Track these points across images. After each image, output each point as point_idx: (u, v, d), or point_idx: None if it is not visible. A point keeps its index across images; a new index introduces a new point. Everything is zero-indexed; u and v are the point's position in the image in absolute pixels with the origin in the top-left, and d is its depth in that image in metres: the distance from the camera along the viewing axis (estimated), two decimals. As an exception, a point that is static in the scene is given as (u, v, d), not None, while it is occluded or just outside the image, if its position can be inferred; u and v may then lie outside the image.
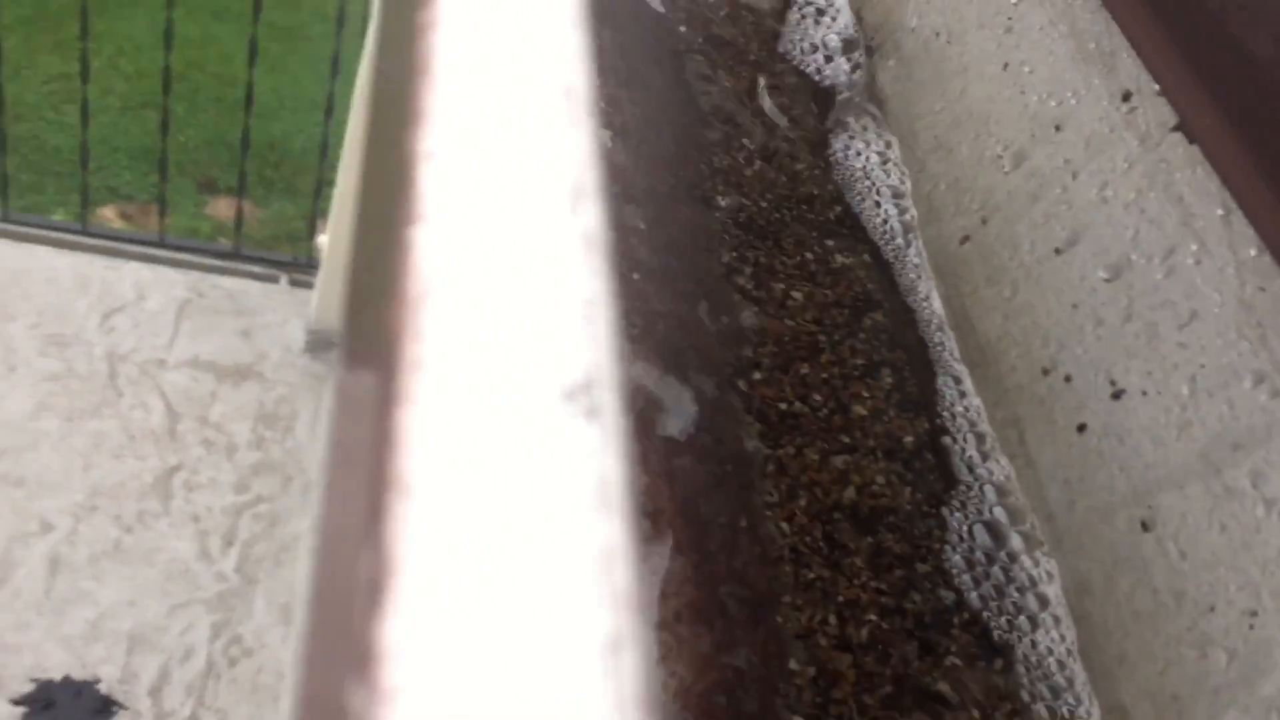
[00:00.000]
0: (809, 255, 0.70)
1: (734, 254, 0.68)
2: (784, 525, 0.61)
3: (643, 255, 0.66)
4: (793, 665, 0.57)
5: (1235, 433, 0.55)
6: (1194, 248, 0.57)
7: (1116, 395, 0.59)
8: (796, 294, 0.70)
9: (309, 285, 2.75)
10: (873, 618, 0.60)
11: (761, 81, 0.74)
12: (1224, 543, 0.55)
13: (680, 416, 0.59)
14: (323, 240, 2.56)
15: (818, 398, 0.66)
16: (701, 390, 0.63)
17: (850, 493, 0.62)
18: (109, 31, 2.63)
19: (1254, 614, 0.52)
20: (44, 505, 2.42)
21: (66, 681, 2.43)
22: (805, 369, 0.66)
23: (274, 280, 2.79)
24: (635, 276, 0.63)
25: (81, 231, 2.65)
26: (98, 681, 2.42)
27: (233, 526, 2.61)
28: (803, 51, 0.79)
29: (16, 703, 2.27)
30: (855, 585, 0.60)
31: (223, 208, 2.98)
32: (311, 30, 3.11)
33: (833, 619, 0.60)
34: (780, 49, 0.80)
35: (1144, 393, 0.59)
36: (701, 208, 0.70)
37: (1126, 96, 0.61)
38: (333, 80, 2.57)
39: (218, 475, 2.62)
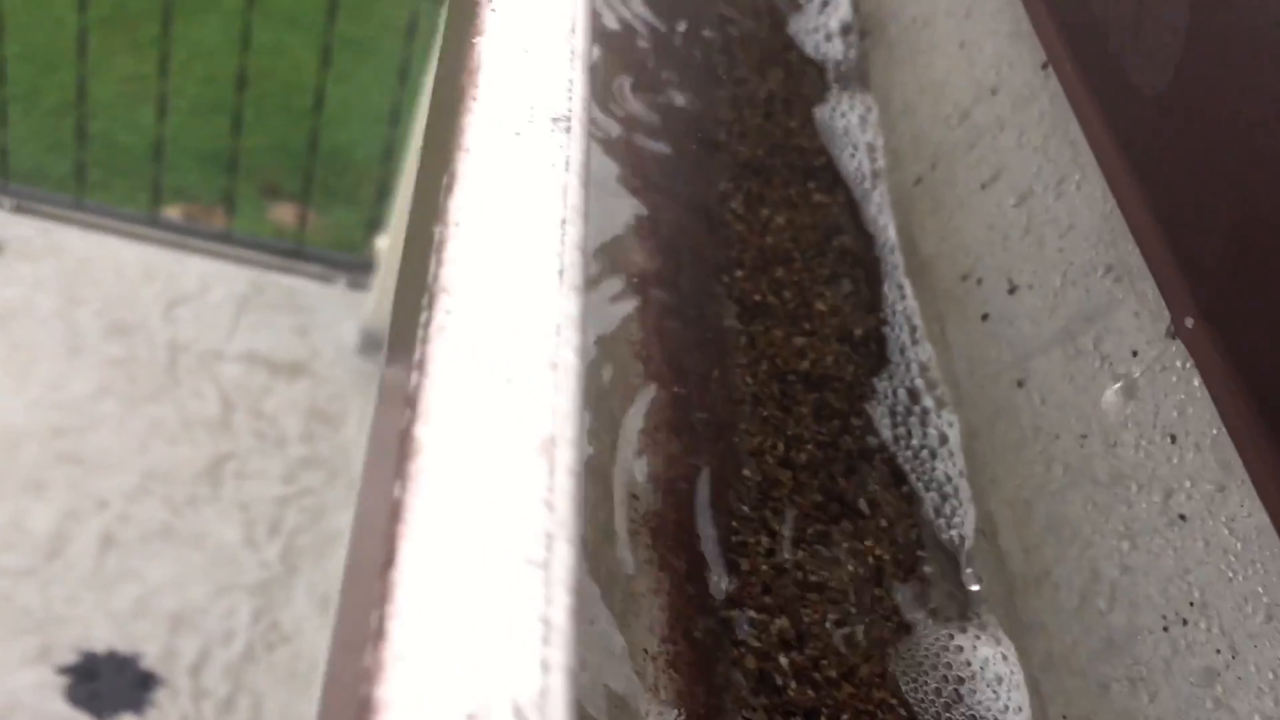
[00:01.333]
0: (792, 191, 0.78)
1: (730, 184, 0.76)
2: (748, 379, 0.68)
3: (655, 176, 0.74)
4: (744, 473, 0.65)
5: (1088, 310, 0.63)
6: (1077, 177, 0.66)
7: (1011, 290, 0.68)
8: (779, 219, 0.78)
9: (366, 287, 2.84)
10: (810, 449, 0.68)
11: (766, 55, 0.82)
12: (1071, 389, 0.63)
13: (672, 294, 0.67)
14: (381, 244, 2.64)
15: (787, 294, 0.73)
16: (691, 278, 0.71)
17: (805, 364, 0.70)
18: (183, 35, 2.72)
19: (1084, 437, 0.60)
20: (99, 484, 2.49)
21: (111, 655, 2.51)
22: (779, 272, 0.74)
23: (332, 281, 2.87)
24: (646, 190, 0.71)
25: (150, 224, 2.74)
26: (141, 657, 2.49)
27: (278, 516, 2.68)
28: (806, 33, 0.87)
29: (62, 672, 2.34)
30: (800, 425, 0.68)
31: (284, 212, 3.06)
32: (380, 42, 3.19)
33: (779, 446, 0.68)
34: (788, 30, 0.88)
35: (1030, 287, 0.67)
36: (708, 149, 0.78)
37: (1044, 65, 0.69)
38: (400, 89, 2.65)
39: (267, 466, 2.69)
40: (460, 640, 0.30)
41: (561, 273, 0.39)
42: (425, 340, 0.35)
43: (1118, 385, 0.66)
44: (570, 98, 0.44)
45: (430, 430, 0.33)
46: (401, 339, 0.38)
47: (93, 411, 2.56)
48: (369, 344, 2.78)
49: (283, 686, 2.58)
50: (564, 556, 0.33)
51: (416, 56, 2.55)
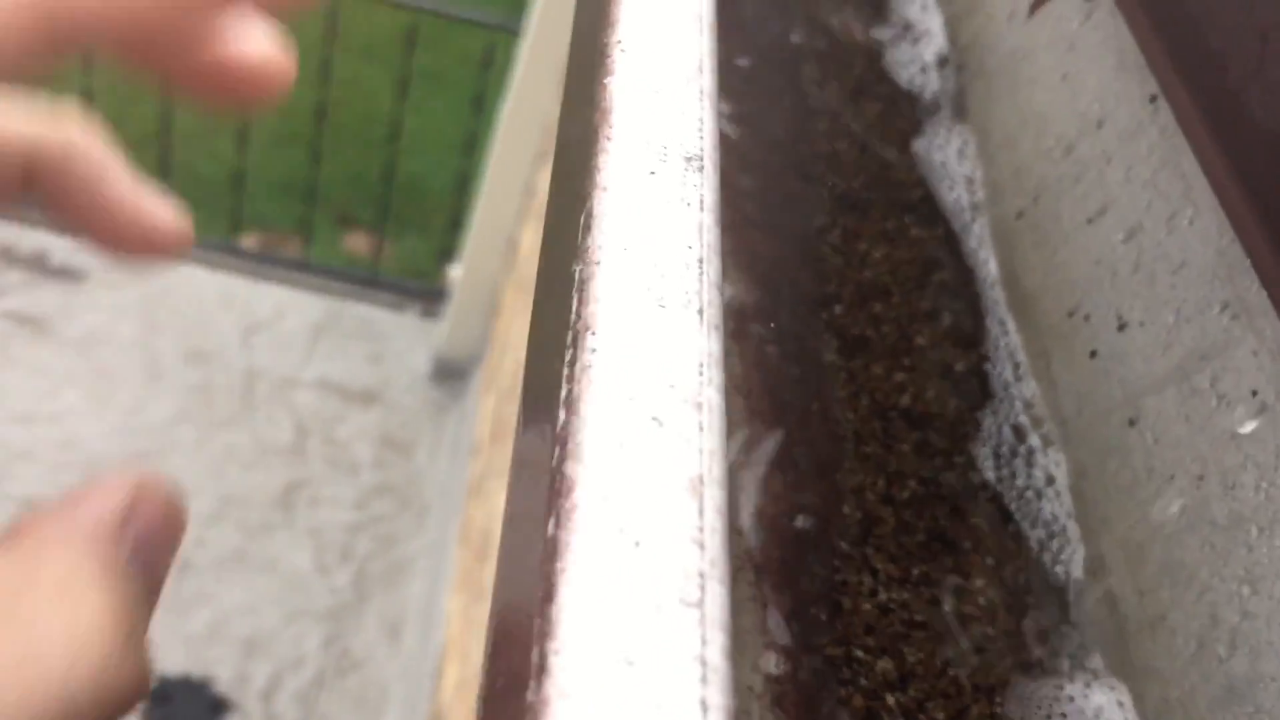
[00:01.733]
0: (889, 225, 0.77)
1: (826, 219, 0.75)
2: (849, 414, 0.67)
3: (751, 212, 0.73)
4: (845, 510, 0.64)
5: (1203, 348, 0.61)
6: (1190, 212, 0.64)
7: (1121, 327, 0.66)
8: (876, 253, 0.77)
9: (438, 316, 2.85)
10: (913, 486, 0.67)
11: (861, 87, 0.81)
12: (1186, 429, 0.62)
13: (770, 329, 0.67)
14: (454, 273, 2.66)
15: (886, 329, 0.72)
16: (790, 313, 0.70)
17: (905, 399, 0.69)
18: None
19: (1201, 478, 0.59)
20: (176, 509, 2.52)
21: (184, 679, 2.53)
22: (878, 307, 0.73)
23: (405, 309, 2.89)
24: (745, 226, 0.70)
25: (228, 252, 2.78)
26: (213, 681, 2.51)
27: (350, 543, 2.70)
28: (901, 65, 0.86)
29: (137, 696, 2.35)
30: (901, 463, 0.67)
31: (358, 241, 3.08)
32: (455, 73, 3.22)
33: (881, 482, 0.67)
34: (883, 64, 0.87)
35: (1141, 324, 0.66)
36: (803, 182, 0.77)
37: (1153, 99, 0.67)
38: (474, 120, 2.67)
39: (339, 493, 2.71)
40: (622, 679, 0.29)
41: (701, 311, 0.38)
42: (572, 379, 0.35)
43: (1237, 426, 0.65)
44: (701, 137, 0.44)
45: (582, 469, 0.33)
46: (542, 377, 0.38)
47: (170, 437, 2.59)
48: (441, 372, 2.80)
49: (352, 713, 2.59)
50: (717, 596, 0.32)
51: (490, 88, 2.56)
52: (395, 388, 2.80)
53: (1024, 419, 0.77)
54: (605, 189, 0.41)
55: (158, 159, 2.65)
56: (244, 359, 2.70)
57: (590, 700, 0.29)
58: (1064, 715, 0.63)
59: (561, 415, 0.35)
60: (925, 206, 0.89)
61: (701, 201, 0.42)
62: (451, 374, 2.79)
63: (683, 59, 0.47)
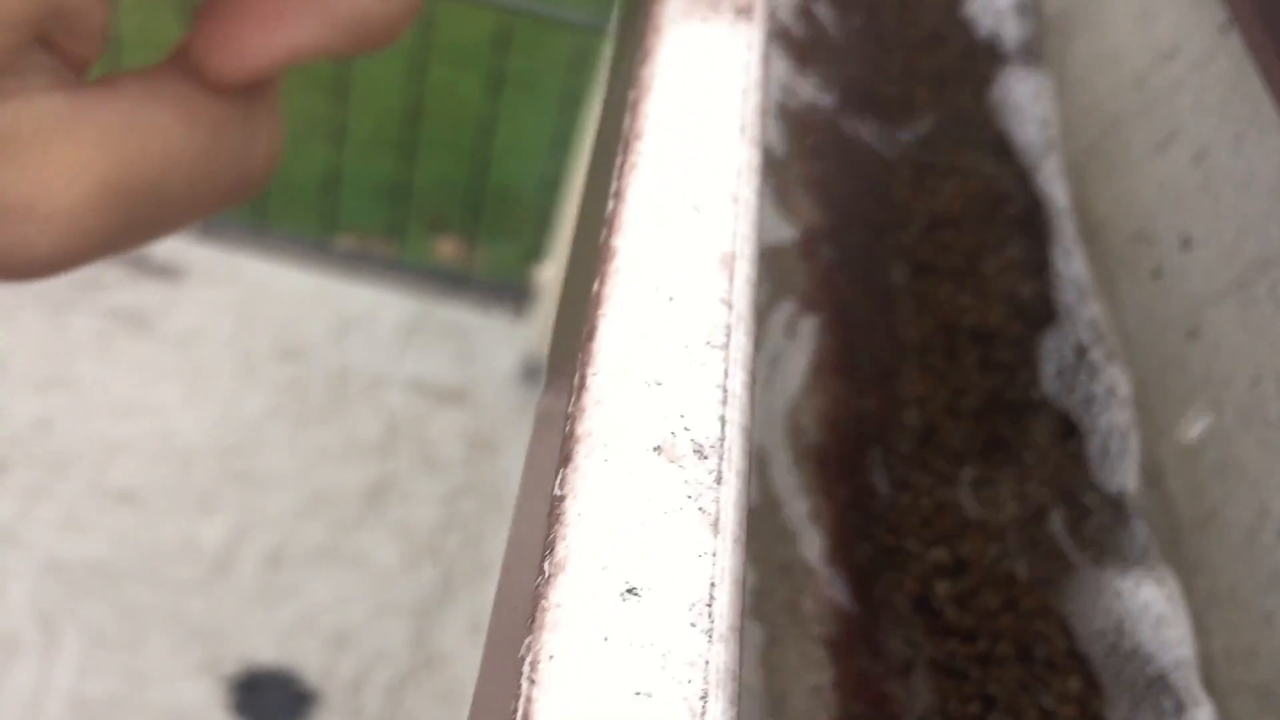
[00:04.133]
0: (962, 161, 0.78)
1: (899, 156, 0.76)
2: (912, 331, 0.68)
3: (823, 145, 0.75)
4: (905, 418, 0.65)
5: (1264, 258, 0.61)
6: (1256, 134, 0.64)
7: (1184, 246, 0.66)
8: (947, 186, 0.77)
9: (526, 317, 2.89)
10: (974, 397, 0.68)
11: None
12: (1244, 337, 0.62)
13: (840, 251, 0.68)
14: (543, 274, 2.70)
15: (954, 256, 0.73)
16: (859, 238, 0.71)
17: (971, 319, 0.70)
18: (360, 71, 2.82)
19: (1257, 380, 0.59)
20: (268, 503, 2.57)
21: (273, 670, 2.57)
22: (947, 235, 0.74)
23: (494, 310, 2.94)
24: (815, 157, 0.72)
25: (323, 252, 2.84)
26: (302, 672, 2.55)
27: (437, 541, 2.73)
28: (981, 14, 0.87)
29: (226, 684, 2.40)
30: (964, 376, 0.67)
31: (448, 246, 3.13)
32: (545, 75, 3.26)
33: (943, 393, 0.67)
34: (960, 14, 0.88)
35: (1204, 242, 0.66)
36: (878, 122, 0.78)
37: (1223, 27, 0.68)
38: (562, 121, 2.71)
39: (427, 490, 2.75)
40: (648, 397, 0.31)
41: (744, 129, 0.41)
42: (621, 176, 0.37)
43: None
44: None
45: (622, 240, 0.35)
46: (597, 174, 0.40)
47: (263, 432, 2.64)
48: (529, 373, 2.83)
49: (438, 709, 2.62)
50: (741, 344, 0.34)
51: (581, 88, 2.60)
52: (484, 388, 2.84)
53: (1086, 337, 0.78)
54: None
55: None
56: (336, 357, 2.76)
57: (619, 412, 0.31)
58: (1111, 604, 0.64)
59: (610, 204, 0.37)
60: (998, 145, 0.90)
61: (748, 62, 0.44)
62: (540, 374, 2.83)
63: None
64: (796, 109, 0.86)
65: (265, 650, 2.60)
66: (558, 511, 0.29)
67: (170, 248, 2.78)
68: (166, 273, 2.74)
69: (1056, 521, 0.70)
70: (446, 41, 3.13)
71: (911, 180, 0.86)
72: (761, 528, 0.63)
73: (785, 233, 0.78)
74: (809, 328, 0.74)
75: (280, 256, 2.80)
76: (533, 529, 0.30)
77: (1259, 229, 0.71)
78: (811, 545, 0.65)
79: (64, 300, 2.67)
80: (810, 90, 0.91)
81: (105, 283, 2.71)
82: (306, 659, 2.59)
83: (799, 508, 0.66)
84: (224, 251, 2.80)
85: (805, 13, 0.95)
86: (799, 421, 0.70)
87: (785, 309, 0.75)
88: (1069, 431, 0.74)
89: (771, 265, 0.76)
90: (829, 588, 0.63)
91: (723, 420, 0.32)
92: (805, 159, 0.83)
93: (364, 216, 3.05)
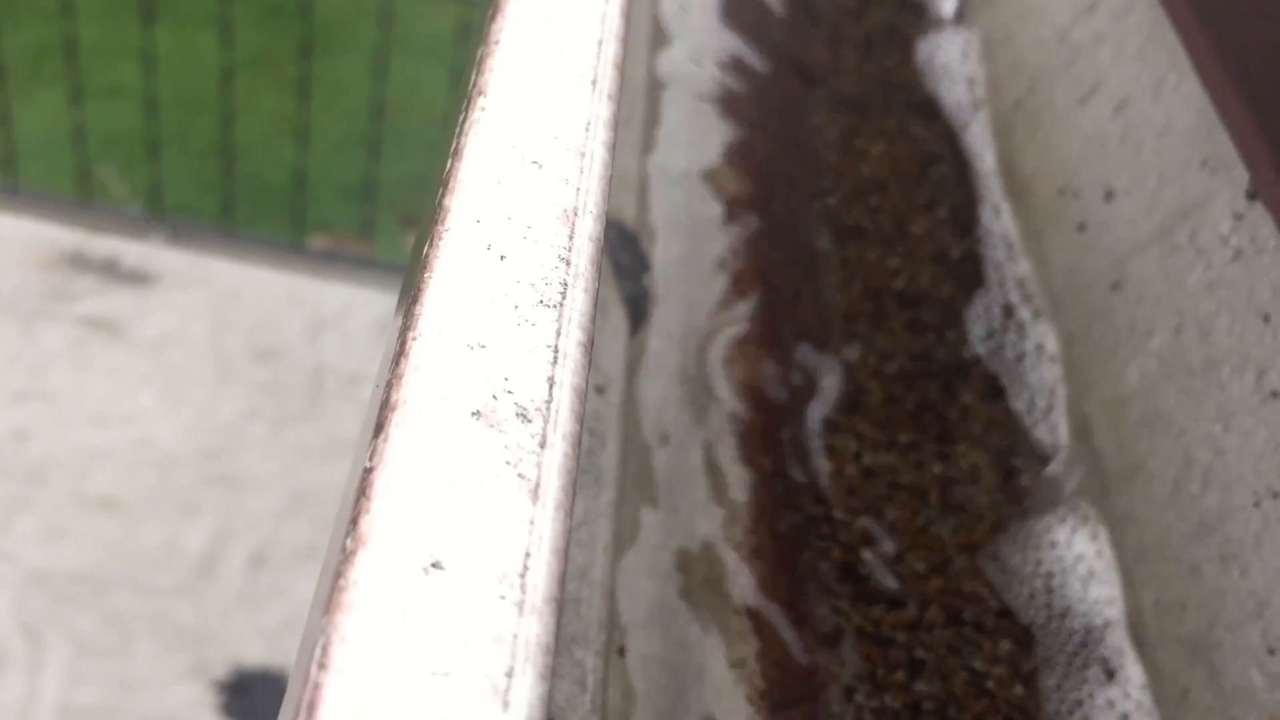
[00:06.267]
0: (889, 123, 0.77)
1: (824, 118, 0.76)
2: (840, 297, 0.67)
3: (749, 113, 0.74)
4: (834, 383, 0.64)
5: (1184, 205, 0.60)
6: (1174, 79, 0.63)
7: (1108, 197, 0.65)
8: (874, 150, 0.76)
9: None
10: (903, 361, 0.67)
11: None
12: (1166, 285, 0.61)
13: (764, 217, 0.67)
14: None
15: (882, 219, 0.72)
16: (785, 204, 0.70)
17: (899, 282, 0.69)
18: (325, 73, 2.81)
19: (1178, 329, 0.58)
20: (249, 505, 2.56)
21: (262, 671, 2.56)
22: (874, 199, 0.73)
23: (469, 304, 2.92)
24: (740, 123, 0.70)
25: (294, 252, 2.83)
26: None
27: (421, 535, 2.72)
28: None
29: (216, 687, 2.39)
30: (892, 339, 0.67)
31: (425, 244, 3.12)
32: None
33: (871, 358, 0.67)
34: None
35: (1127, 192, 0.65)
36: (804, 85, 0.78)
37: None
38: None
39: (409, 486, 2.74)
40: (471, 360, 0.31)
41: (595, 83, 0.40)
42: (461, 134, 0.37)
43: (1212, 274, 0.65)
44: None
45: (455, 200, 0.34)
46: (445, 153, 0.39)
47: (242, 434, 2.63)
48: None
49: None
50: (578, 302, 0.33)
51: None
52: (461, 381, 2.83)
53: (1015, 295, 0.78)
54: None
55: (220, 167, 2.71)
56: (312, 356, 2.75)
57: (437, 378, 0.30)
58: (1041, 560, 0.63)
59: (448, 164, 0.36)
60: (926, 106, 0.90)
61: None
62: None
63: None
64: (722, 77, 0.86)
65: (253, 652, 2.59)
66: (364, 484, 0.28)
67: (140, 253, 2.77)
68: (137, 279, 2.73)
69: (986, 481, 0.70)
70: (409, 36, 3.12)
71: (839, 145, 0.85)
72: (681, 499, 0.62)
73: (711, 204, 0.77)
74: (732, 297, 0.73)
75: (252, 258, 2.79)
76: (344, 507, 0.29)
77: (1178, 176, 0.70)
78: (735, 516, 0.64)
79: (35, 310, 2.66)
80: (734, 57, 0.90)
81: (76, 291, 2.69)
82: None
83: (720, 480, 0.65)
84: (195, 255, 2.79)
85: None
86: (719, 391, 0.69)
87: (710, 279, 0.74)
88: (998, 391, 0.74)
89: (693, 233, 0.75)
90: (753, 559, 0.63)
91: (551, 381, 0.31)
92: (727, 128, 0.82)
93: (335, 216, 3.04)
